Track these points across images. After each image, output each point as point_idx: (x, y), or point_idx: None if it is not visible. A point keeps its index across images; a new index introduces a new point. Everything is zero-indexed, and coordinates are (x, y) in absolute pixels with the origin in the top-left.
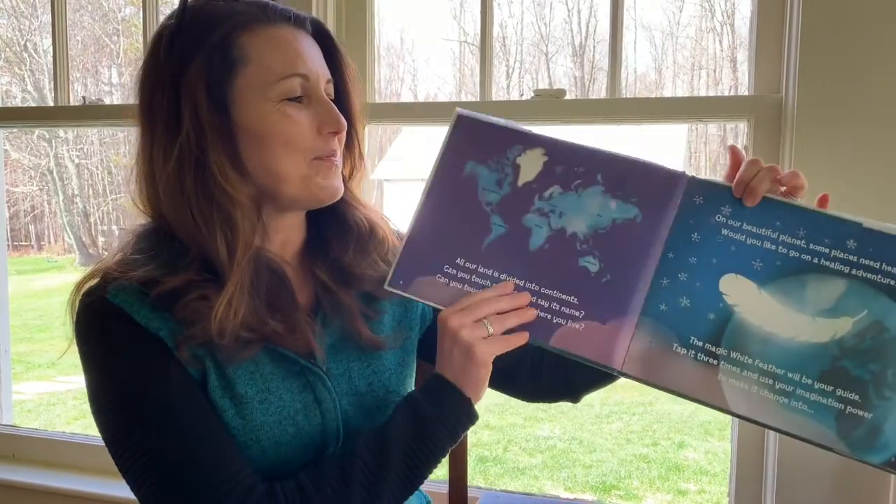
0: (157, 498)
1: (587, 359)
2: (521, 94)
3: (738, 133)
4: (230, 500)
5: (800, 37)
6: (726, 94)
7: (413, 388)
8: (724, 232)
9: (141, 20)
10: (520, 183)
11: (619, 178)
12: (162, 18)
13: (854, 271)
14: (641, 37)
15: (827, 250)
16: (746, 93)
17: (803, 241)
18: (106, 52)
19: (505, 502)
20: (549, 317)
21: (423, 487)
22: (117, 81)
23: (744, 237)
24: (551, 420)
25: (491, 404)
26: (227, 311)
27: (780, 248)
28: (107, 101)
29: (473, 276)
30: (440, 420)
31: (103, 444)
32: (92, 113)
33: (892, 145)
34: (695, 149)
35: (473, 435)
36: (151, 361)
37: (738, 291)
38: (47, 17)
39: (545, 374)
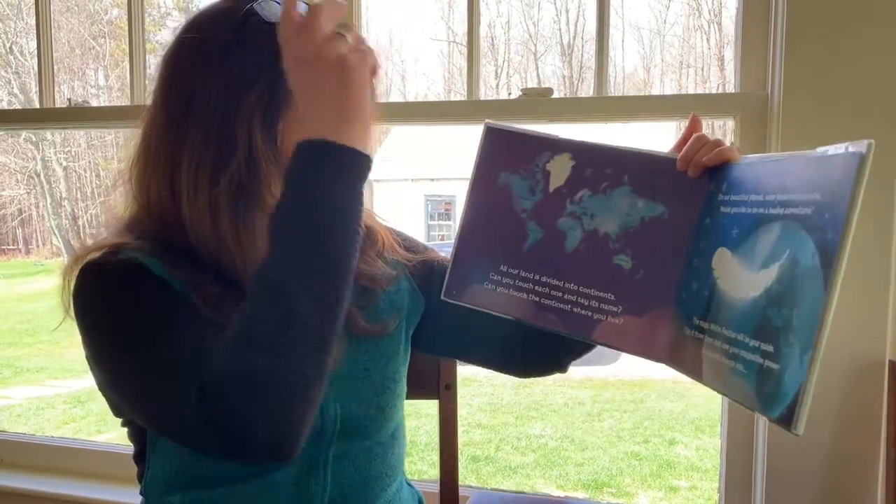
0: (156, 394)
1: (629, 352)
2: (510, 94)
3: (727, 130)
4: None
5: (784, 34)
6: (714, 91)
7: (405, 373)
8: (722, 209)
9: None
10: (551, 188)
11: (645, 178)
12: (148, 21)
13: (785, 210)
14: (630, 36)
15: (774, 196)
16: (734, 90)
17: (762, 196)
18: (92, 54)
19: (496, 501)
20: (589, 314)
21: (415, 486)
22: (104, 83)
23: (730, 209)
24: (543, 419)
25: (483, 404)
26: None
27: (750, 208)
28: (93, 103)
29: (517, 280)
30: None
31: (92, 448)
32: (78, 115)
33: (873, 140)
34: None
35: (465, 434)
36: (170, 298)
37: (721, 263)
38: (33, 20)
39: (535, 349)
